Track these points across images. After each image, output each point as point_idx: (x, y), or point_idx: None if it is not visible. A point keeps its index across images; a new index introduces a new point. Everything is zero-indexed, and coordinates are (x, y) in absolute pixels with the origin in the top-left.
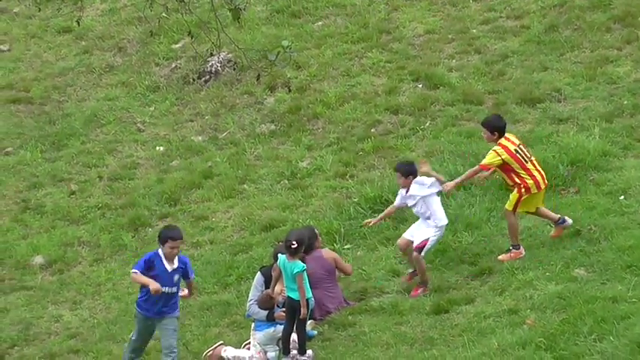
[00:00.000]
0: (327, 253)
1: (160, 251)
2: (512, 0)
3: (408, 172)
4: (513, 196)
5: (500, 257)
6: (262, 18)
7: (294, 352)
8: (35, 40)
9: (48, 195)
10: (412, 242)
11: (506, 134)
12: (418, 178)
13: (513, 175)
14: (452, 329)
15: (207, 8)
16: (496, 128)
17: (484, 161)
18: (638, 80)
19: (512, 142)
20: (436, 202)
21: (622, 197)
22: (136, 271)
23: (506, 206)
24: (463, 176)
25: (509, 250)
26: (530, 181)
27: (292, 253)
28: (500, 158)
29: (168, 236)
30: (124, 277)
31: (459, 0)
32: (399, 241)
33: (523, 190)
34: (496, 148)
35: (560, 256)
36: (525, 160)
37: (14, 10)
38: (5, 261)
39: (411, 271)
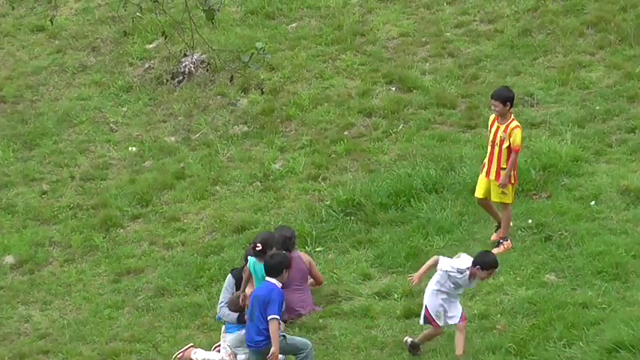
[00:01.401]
0: (304, 256)
1: None
2: (485, 4)
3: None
4: (508, 187)
5: (494, 251)
6: (236, 19)
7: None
8: (8, 38)
9: (19, 195)
10: None
11: None
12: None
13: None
14: (422, 332)
15: (181, 9)
16: (508, 99)
17: (518, 143)
18: (610, 86)
19: None
20: None
21: (593, 203)
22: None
23: (507, 200)
24: (509, 167)
25: (499, 244)
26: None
27: (257, 255)
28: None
29: None
30: (94, 277)
31: (433, 3)
32: None
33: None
34: (518, 125)
35: (530, 261)
36: None
37: None
38: None
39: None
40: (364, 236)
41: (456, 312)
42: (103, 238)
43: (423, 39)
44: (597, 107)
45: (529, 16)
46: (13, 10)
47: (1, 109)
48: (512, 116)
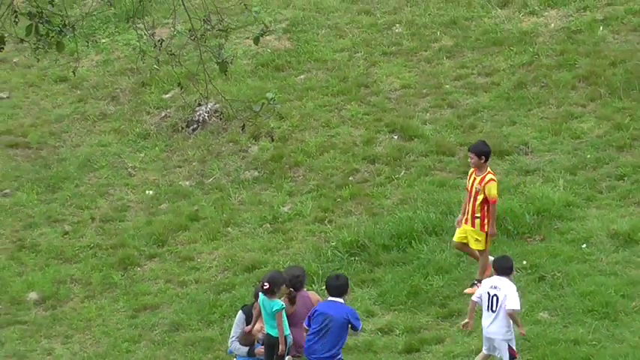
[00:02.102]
0: (313, 295)
1: None
2: (483, 58)
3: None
4: (477, 232)
5: (466, 290)
6: (248, 71)
7: None
8: (33, 88)
9: (43, 235)
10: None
11: None
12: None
13: (486, 209)
14: None
15: (195, 61)
16: (484, 153)
17: (493, 195)
18: (600, 136)
19: None
20: None
21: (584, 245)
22: None
23: (475, 246)
24: (492, 220)
25: (474, 285)
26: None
27: (266, 293)
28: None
29: None
30: (113, 313)
31: (434, 57)
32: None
33: (486, 223)
34: (493, 178)
35: (525, 300)
36: None
37: (14, 60)
38: (1, 297)
39: None
40: (368, 275)
41: None
42: (122, 276)
43: (424, 90)
44: (588, 156)
45: (524, 70)
46: (38, 62)
47: (26, 155)
48: (489, 169)
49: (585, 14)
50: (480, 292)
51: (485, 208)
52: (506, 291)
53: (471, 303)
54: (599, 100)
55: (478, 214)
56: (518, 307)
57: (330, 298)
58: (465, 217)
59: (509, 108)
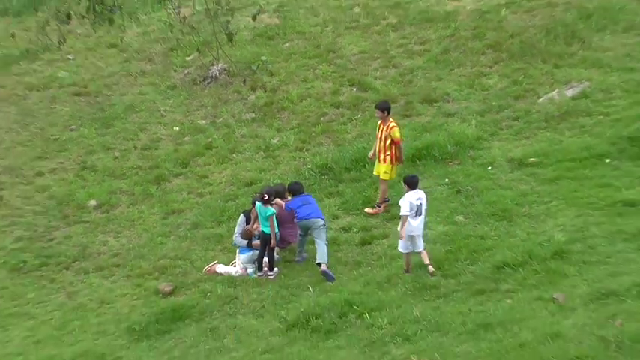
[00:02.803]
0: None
1: None
2: (418, 31)
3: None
4: (387, 167)
5: (366, 210)
6: (247, 40)
7: (266, 269)
8: (92, 52)
9: (99, 159)
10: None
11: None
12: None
13: (393, 148)
14: (372, 255)
15: (210, 32)
16: (386, 108)
17: (398, 136)
18: (502, 89)
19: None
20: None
21: (489, 168)
22: None
23: (384, 177)
24: (400, 154)
25: (375, 207)
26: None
27: (264, 202)
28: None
29: None
30: (150, 215)
31: (382, 31)
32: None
33: (395, 160)
34: (395, 125)
35: (446, 207)
36: None
37: (78, 32)
38: (70, 203)
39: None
40: (334, 189)
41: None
42: (156, 189)
43: (375, 55)
44: (493, 103)
45: (448, 41)
46: (95, 32)
47: (87, 101)
48: (391, 119)
49: (492, 0)
50: (408, 206)
51: (393, 148)
52: (423, 199)
53: (403, 219)
54: (501, 62)
55: (388, 153)
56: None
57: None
58: (378, 157)
59: (437, 68)
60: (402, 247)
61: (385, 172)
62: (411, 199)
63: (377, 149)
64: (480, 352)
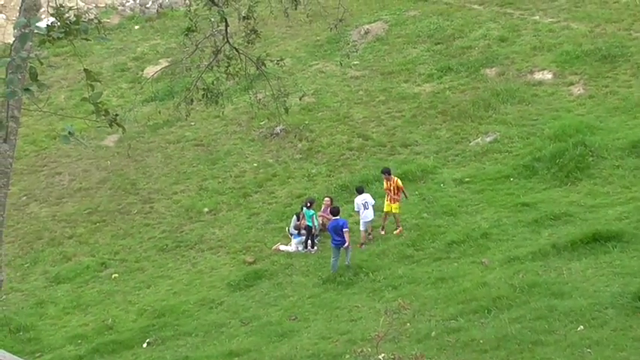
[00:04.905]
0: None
1: None
2: (398, 104)
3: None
4: (397, 205)
5: (395, 232)
6: (296, 111)
7: (309, 247)
8: (205, 120)
9: (209, 183)
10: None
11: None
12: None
13: (400, 192)
14: (372, 240)
15: (274, 107)
16: (388, 172)
17: (401, 185)
18: (448, 138)
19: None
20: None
21: (442, 185)
22: None
23: (395, 211)
24: (405, 193)
25: (397, 228)
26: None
27: (307, 207)
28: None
29: None
30: (240, 216)
31: (376, 104)
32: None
33: (400, 200)
34: (397, 179)
35: (416, 208)
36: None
37: (197, 108)
38: (192, 210)
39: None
40: (349, 199)
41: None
42: (243, 200)
43: (372, 119)
44: (443, 146)
45: (415, 110)
46: (207, 109)
47: (202, 149)
48: (392, 176)
49: (441, 85)
50: (358, 207)
51: (400, 192)
52: (369, 198)
53: (362, 224)
54: (447, 122)
55: (398, 198)
56: (373, 202)
57: (335, 218)
58: (390, 200)
59: (409, 126)
60: (362, 227)
61: (396, 208)
62: (358, 201)
63: (390, 198)
64: (439, 295)
